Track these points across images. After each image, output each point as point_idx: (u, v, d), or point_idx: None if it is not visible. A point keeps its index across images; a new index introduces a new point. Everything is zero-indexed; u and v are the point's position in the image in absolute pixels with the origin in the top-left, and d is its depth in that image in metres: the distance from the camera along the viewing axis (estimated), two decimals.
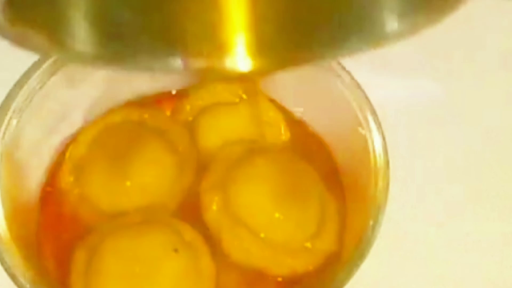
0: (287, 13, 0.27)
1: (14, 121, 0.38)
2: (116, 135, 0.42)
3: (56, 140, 0.42)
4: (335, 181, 0.42)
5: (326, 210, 0.40)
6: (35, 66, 0.39)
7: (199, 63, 0.27)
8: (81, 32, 0.27)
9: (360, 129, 0.39)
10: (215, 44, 0.27)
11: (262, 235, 0.39)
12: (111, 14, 0.27)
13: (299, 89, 0.43)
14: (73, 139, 0.42)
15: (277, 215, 0.39)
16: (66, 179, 0.41)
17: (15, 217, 0.37)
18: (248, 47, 0.28)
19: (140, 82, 0.44)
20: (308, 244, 0.39)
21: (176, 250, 0.38)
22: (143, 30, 0.27)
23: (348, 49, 0.27)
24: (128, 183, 0.40)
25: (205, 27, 0.27)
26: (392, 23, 0.27)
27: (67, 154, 0.42)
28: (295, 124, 0.44)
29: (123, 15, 0.26)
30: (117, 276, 0.37)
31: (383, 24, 0.27)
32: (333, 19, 0.27)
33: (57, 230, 0.41)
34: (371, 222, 0.36)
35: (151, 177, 0.41)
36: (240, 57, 0.28)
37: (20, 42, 0.26)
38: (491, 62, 0.50)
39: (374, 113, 0.39)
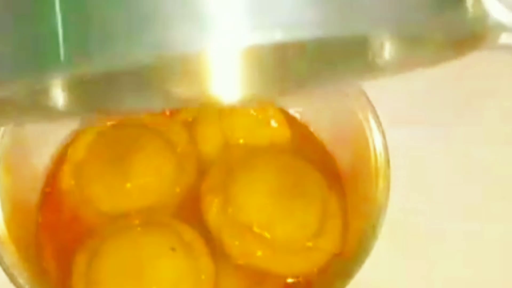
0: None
1: None
2: (116, 136, 0.42)
3: (56, 140, 0.42)
4: (336, 181, 0.41)
5: (328, 209, 0.40)
6: None
7: (184, 94, 0.27)
8: (60, 98, 0.26)
9: (360, 128, 0.39)
10: (200, 74, 0.26)
11: (263, 235, 0.39)
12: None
13: None
14: (73, 140, 0.42)
15: (278, 215, 0.39)
16: (66, 180, 0.41)
17: (14, 217, 0.37)
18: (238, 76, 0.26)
19: None
20: (311, 244, 0.39)
21: (173, 249, 0.38)
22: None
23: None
24: (128, 184, 0.40)
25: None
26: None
27: (67, 155, 0.42)
28: (295, 124, 0.44)
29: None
30: (117, 277, 0.37)
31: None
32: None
33: (57, 231, 0.40)
34: (372, 222, 0.36)
35: (151, 177, 0.40)
36: (228, 87, 0.26)
37: None
38: (492, 66, 0.50)
39: (374, 112, 0.39)
